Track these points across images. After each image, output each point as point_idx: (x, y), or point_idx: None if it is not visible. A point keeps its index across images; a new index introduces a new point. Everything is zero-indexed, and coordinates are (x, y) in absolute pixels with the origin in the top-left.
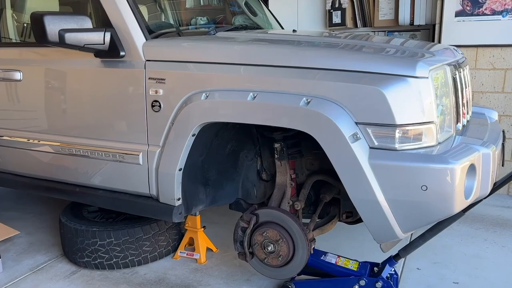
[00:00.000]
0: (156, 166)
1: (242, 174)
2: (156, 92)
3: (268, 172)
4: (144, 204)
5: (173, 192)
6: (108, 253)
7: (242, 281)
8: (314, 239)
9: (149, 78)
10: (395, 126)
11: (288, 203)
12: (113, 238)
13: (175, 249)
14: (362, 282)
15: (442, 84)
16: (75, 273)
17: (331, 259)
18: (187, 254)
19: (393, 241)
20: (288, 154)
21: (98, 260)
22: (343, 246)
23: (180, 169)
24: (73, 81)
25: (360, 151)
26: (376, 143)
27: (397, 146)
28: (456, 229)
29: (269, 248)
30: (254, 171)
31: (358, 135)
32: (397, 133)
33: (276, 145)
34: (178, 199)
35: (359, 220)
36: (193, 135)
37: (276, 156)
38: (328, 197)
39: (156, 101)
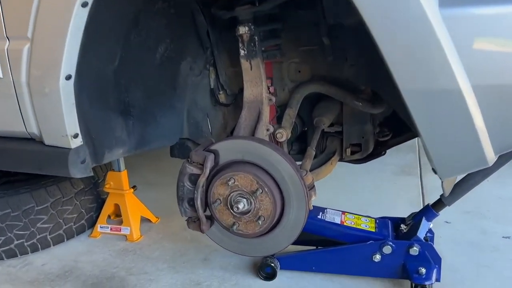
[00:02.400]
0: (27, 78)
1: (186, 98)
2: None
3: (229, 91)
4: (20, 152)
5: (62, 123)
6: None
7: (196, 262)
8: (314, 186)
9: None
10: None
11: (267, 130)
12: None
13: (93, 224)
14: (387, 249)
15: None
16: None
17: (333, 217)
18: (111, 229)
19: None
20: (262, 48)
21: None
22: (335, 200)
23: (68, 77)
24: None
25: None
26: None
27: None
28: None
29: (240, 206)
30: (205, 91)
31: None
32: None
33: (242, 30)
34: (75, 136)
35: (369, 157)
36: (83, 5)
37: (242, 51)
38: (326, 121)
39: None
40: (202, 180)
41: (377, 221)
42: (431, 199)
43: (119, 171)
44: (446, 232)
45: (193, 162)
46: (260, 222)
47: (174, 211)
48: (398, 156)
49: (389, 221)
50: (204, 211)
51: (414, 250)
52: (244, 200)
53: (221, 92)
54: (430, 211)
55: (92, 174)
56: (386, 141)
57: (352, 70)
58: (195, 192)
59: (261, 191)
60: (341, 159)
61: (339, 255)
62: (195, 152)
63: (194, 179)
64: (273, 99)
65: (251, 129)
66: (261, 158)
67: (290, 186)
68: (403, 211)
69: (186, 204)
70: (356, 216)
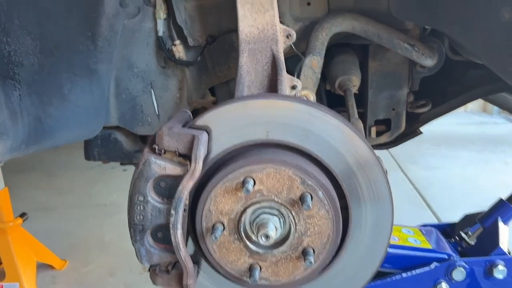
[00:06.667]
0: None
1: (114, 55)
2: None
3: (191, 39)
4: None
5: None
6: None
7: None
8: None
9: None
10: None
11: (292, 87)
12: None
13: None
14: (459, 273)
15: None
16: None
17: None
18: None
19: None
20: None
21: None
22: None
23: None
24: None
25: None
26: None
27: None
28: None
29: (271, 233)
30: (148, 43)
31: None
32: None
33: None
34: None
35: (400, 139)
36: None
37: None
38: (356, 81)
39: None
40: (187, 187)
41: (423, 231)
42: (430, 195)
43: None
44: None
45: (166, 150)
46: (311, 259)
47: (89, 247)
48: None
49: (434, 229)
50: (188, 238)
51: (500, 271)
52: (275, 220)
53: (176, 43)
54: (507, 207)
55: None
56: (420, 115)
57: None
58: (173, 212)
59: (310, 199)
60: None
61: None
62: (170, 129)
63: (167, 186)
64: (293, 34)
65: (263, 86)
66: (309, 135)
67: (363, 184)
68: (408, 214)
69: (150, 238)
70: (394, 227)
